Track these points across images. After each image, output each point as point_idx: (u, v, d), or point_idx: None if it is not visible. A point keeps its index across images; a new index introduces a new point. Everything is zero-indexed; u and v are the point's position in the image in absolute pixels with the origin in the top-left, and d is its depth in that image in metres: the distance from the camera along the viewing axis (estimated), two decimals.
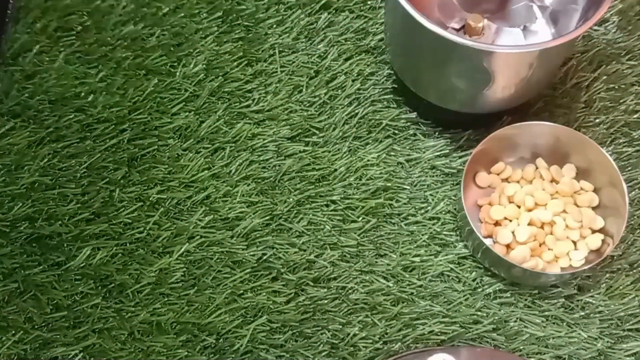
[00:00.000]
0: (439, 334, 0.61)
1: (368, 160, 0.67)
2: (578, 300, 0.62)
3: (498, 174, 0.66)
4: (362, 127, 0.69)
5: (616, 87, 0.71)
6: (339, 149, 0.68)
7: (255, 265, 0.63)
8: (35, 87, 0.69)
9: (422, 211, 0.65)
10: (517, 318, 0.62)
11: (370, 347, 0.61)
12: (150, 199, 0.65)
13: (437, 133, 0.69)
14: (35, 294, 0.62)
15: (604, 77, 0.71)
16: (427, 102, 0.66)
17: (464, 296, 0.62)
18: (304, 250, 0.64)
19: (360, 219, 0.65)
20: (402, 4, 0.56)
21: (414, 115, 0.69)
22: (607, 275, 0.63)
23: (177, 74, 0.70)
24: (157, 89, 0.70)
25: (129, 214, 0.65)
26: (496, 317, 0.62)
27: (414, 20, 0.56)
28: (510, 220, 0.63)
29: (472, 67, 0.59)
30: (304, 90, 0.70)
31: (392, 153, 0.68)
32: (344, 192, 0.66)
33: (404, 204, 0.66)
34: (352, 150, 0.68)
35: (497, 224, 0.64)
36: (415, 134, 0.69)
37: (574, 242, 0.63)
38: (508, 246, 0.63)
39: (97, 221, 0.64)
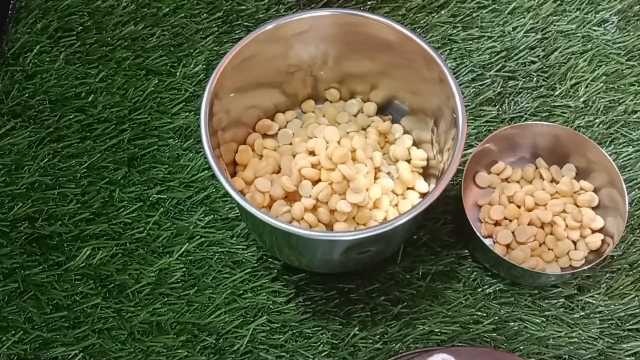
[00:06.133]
0: (439, 334, 0.61)
1: None
2: (578, 300, 0.62)
3: (498, 174, 0.66)
4: None
5: (616, 87, 0.71)
6: None
7: (255, 265, 0.63)
8: (36, 87, 0.69)
9: None
10: (517, 318, 0.62)
11: (370, 347, 0.61)
12: (150, 199, 0.65)
13: None
14: (35, 294, 0.62)
15: (604, 77, 0.71)
16: None
17: (464, 296, 0.62)
18: None
19: None
20: (240, 202, 0.52)
21: None
22: (607, 275, 0.63)
23: (178, 74, 0.70)
24: (158, 89, 0.70)
25: (129, 214, 0.65)
26: (496, 317, 0.62)
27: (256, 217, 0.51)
28: (510, 220, 0.63)
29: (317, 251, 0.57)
30: None
31: None
32: None
33: None
34: None
35: (497, 224, 0.64)
36: None
37: (574, 242, 0.63)
38: (508, 246, 0.63)
39: (97, 221, 0.64)
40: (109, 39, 0.72)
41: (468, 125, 0.68)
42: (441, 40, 0.72)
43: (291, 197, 0.59)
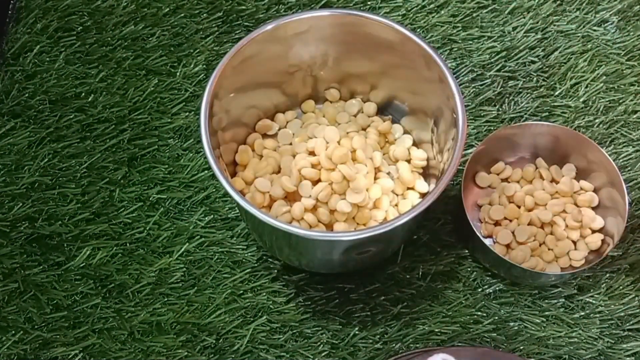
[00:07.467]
0: (439, 334, 0.61)
1: None
2: (578, 300, 0.62)
3: (498, 174, 0.66)
4: None
5: (615, 87, 0.71)
6: None
7: (255, 265, 0.63)
8: (36, 87, 0.69)
9: None
10: (517, 318, 0.62)
11: (370, 347, 0.61)
12: (150, 199, 0.65)
13: None
14: (35, 294, 0.62)
15: (604, 77, 0.71)
16: None
17: (464, 296, 0.62)
18: None
19: None
20: (240, 202, 0.52)
21: None
22: (607, 275, 0.63)
23: (178, 74, 0.70)
24: (158, 89, 0.70)
25: (129, 214, 0.65)
26: (496, 317, 0.62)
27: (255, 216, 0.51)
28: (510, 220, 0.64)
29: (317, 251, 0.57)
30: None
31: None
32: None
33: None
34: None
35: (497, 224, 0.64)
36: None
37: (574, 242, 0.63)
38: (508, 246, 0.63)
39: (97, 221, 0.64)
40: (109, 39, 0.72)
41: (468, 125, 0.68)
42: (441, 40, 0.72)
43: (291, 197, 0.59)
